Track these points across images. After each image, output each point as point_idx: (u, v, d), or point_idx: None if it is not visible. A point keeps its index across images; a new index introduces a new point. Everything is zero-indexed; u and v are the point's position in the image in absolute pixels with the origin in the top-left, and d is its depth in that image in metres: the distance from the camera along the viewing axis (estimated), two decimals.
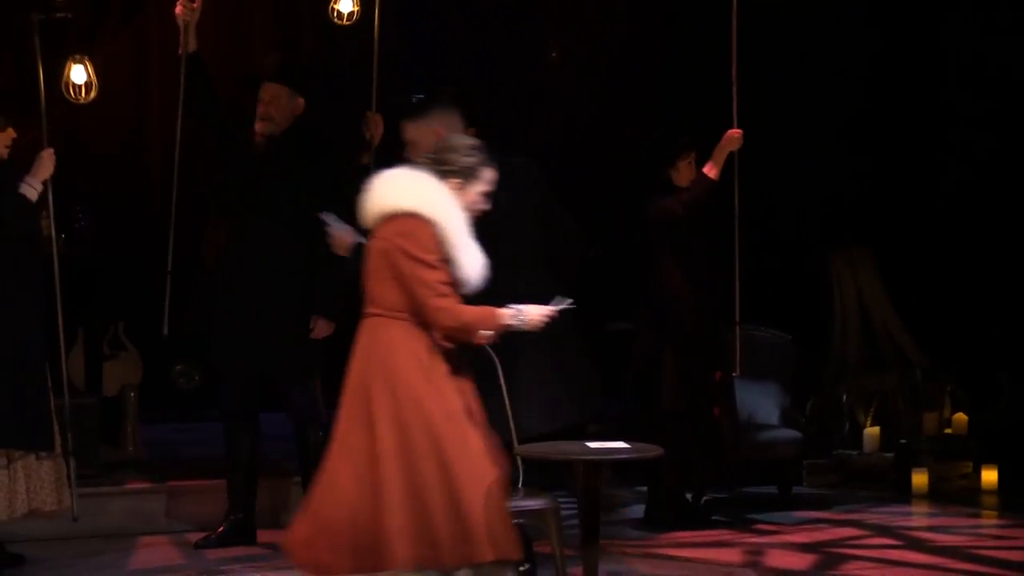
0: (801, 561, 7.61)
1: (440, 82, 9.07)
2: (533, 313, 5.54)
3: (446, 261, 5.42)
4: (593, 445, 5.50)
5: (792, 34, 10.83)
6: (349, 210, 6.07)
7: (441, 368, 5.42)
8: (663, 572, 7.31)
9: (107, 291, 8.97)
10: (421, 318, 5.41)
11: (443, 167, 5.58)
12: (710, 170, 8.37)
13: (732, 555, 7.76)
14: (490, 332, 5.49)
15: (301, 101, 7.88)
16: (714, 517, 8.74)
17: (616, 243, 9.94)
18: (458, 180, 5.58)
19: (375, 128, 7.93)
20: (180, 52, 7.72)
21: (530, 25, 12.00)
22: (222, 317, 7.78)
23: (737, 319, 8.57)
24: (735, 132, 8.40)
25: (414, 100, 10.19)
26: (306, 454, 7.82)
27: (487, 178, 5.64)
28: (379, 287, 5.46)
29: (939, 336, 10.59)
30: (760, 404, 9.56)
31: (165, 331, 7.83)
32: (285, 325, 7.71)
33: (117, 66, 10.82)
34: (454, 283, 5.44)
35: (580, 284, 6.35)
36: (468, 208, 5.57)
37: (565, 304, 5.63)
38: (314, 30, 11.43)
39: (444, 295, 5.37)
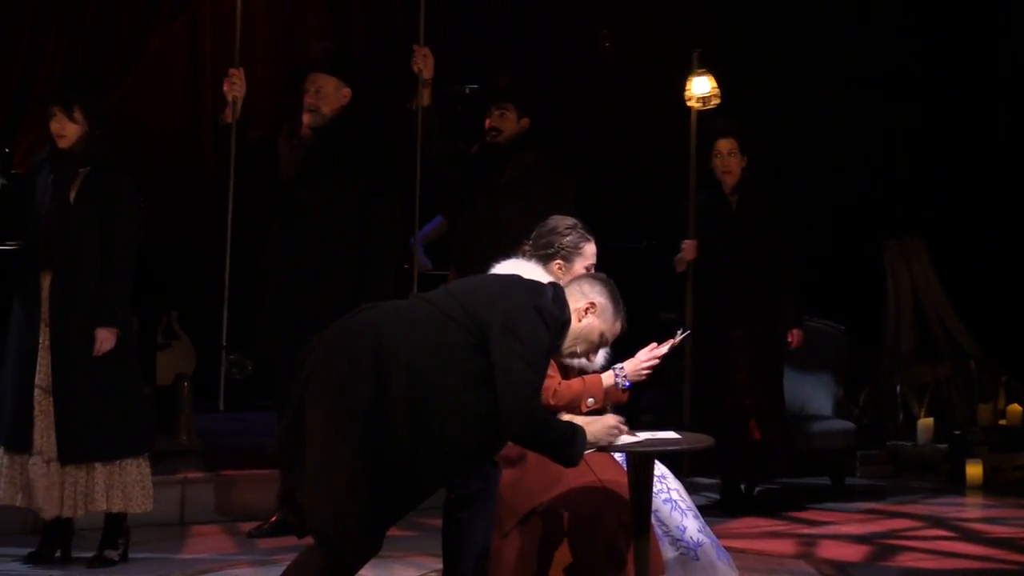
0: (854, 552, 7.59)
1: (494, 72, 9.08)
2: (632, 367, 5.69)
3: None
4: (642, 436, 5.48)
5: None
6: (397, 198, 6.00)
7: None
8: None
9: (161, 281, 8.98)
10: None
11: (544, 251, 5.73)
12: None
13: (785, 546, 7.74)
14: (597, 398, 5.64)
15: (348, 91, 7.78)
16: (767, 508, 8.72)
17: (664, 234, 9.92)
18: (560, 260, 5.72)
19: (424, 62, 7.84)
20: (228, 122, 7.65)
21: (584, 14, 12.00)
22: (273, 306, 7.76)
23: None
24: None
25: (467, 90, 10.22)
26: None
27: (588, 253, 5.76)
28: None
29: (993, 326, 10.53)
30: (813, 395, 9.52)
31: (221, 407, 7.86)
32: (335, 313, 7.67)
33: (172, 54, 10.88)
34: (561, 365, 5.61)
35: (631, 275, 6.34)
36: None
37: (678, 338, 5.77)
38: (364, 20, 11.45)
39: (548, 376, 5.44)
